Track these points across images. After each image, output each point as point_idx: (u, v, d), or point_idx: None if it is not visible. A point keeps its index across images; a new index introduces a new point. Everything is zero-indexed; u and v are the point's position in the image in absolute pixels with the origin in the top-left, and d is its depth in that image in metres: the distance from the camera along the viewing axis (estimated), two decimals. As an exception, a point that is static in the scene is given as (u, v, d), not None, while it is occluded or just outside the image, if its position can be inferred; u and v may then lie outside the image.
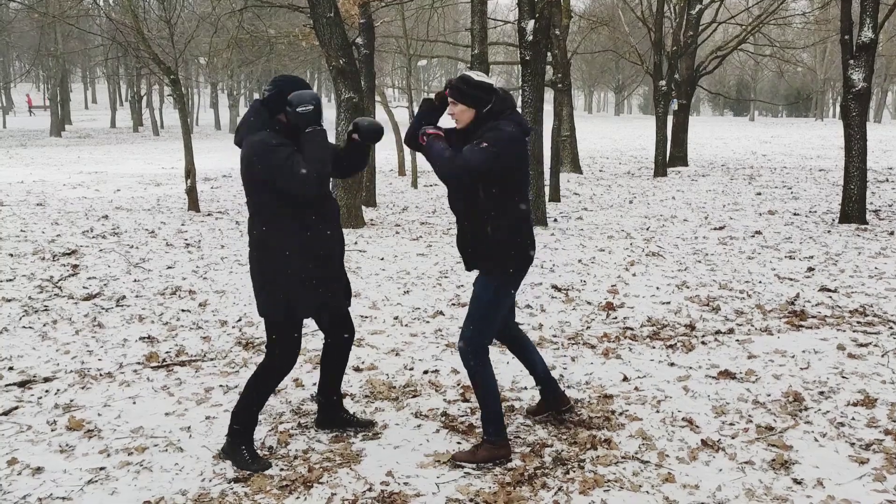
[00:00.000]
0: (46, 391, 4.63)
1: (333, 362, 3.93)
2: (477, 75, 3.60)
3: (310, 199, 3.45)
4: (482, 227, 3.55)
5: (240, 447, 3.61)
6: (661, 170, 18.55)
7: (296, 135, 3.46)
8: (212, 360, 5.22)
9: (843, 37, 10.65)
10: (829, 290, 7.00)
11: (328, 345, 3.92)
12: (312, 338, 5.40)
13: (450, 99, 3.60)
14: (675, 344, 5.46)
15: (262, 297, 3.59)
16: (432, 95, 3.73)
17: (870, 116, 47.45)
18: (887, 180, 17.04)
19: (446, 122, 3.71)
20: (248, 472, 3.53)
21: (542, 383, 4.06)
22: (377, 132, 3.71)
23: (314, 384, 4.46)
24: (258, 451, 3.74)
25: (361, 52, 11.73)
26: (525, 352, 4.02)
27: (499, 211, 3.52)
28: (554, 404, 4.06)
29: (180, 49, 13.61)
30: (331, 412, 4.00)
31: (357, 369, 4.99)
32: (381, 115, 19.48)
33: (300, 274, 3.51)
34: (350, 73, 10.23)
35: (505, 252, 3.56)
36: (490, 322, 3.63)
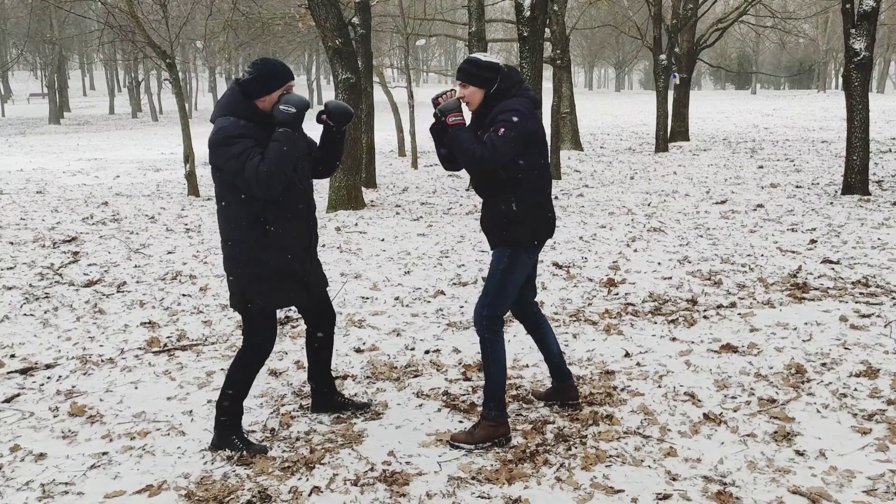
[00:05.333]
0: (48, 378, 4.64)
1: (317, 349, 3.88)
2: (485, 56, 3.62)
3: (260, 198, 3.34)
4: (507, 202, 3.55)
5: (230, 437, 3.58)
6: (662, 145, 18.45)
7: (272, 126, 3.37)
8: (213, 344, 5.22)
9: (845, 5, 10.52)
10: (831, 262, 6.96)
11: (309, 332, 3.88)
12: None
13: (459, 83, 3.62)
14: (677, 319, 5.45)
15: (230, 288, 3.56)
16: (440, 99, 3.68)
17: (872, 87, 47.10)
18: (890, 150, 16.93)
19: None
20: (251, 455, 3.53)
21: (556, 371, 4.00)
22: (345, 110, 3.66)
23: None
24: (258, 435, 3.74)
25: (358, 31, 11.64)
26: (542, 335, 3.96)
27: (521, 186, 3.53)
28: (562, 394, 4.00)
29: (175, 32, 13.49)
30: (324, 397, 3.98)
31: (358, 350, 4.99)
32: (379, 96, 19.38)
33: (256, 268, 3.44)
34: (346, 53, 10.15)
35: (524, 223, 3.56)
36: (504, 293, 3.61)
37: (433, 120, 3.69)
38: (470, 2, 12.03)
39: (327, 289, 3.87)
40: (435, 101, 3.68)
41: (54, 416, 4.07)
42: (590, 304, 5.89)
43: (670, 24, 18.92)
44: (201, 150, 16.35)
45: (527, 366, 4.59)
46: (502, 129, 3.42)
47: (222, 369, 4.69)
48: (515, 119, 3.45)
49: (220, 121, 3.38)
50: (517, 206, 3.54)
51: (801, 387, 4.17)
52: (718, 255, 7.45)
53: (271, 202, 3.39)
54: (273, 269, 3.45)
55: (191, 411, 4.09)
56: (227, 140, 3.30)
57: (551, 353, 3.97)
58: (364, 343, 5.12)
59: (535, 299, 3.99)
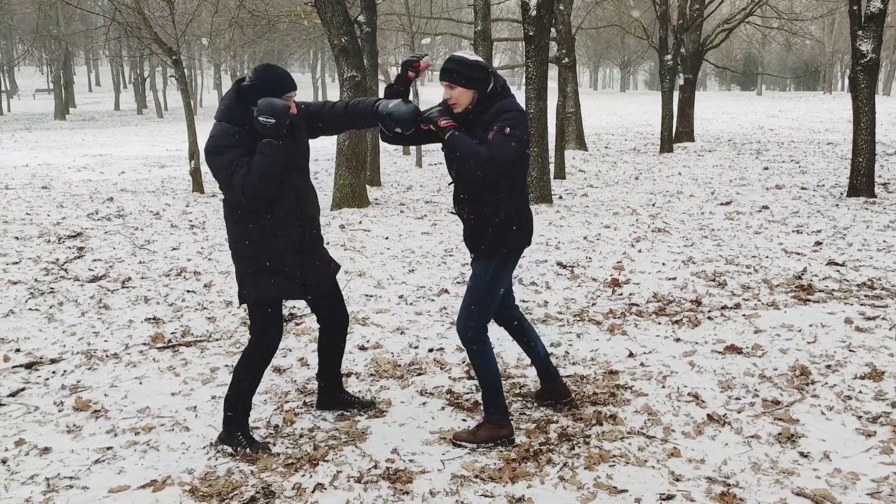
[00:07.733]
0: (53, 372, 4.65)
1: (328, 347, 3.89)
2: (470, 55, 3.48)
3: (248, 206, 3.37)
4: (498, 209, 3.45)
5: (235, 433, 3.59)
6: (667, 145, 18.42)
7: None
8: (217, 340, 5.23)
9: (852, 7, 10.49)
10: (836, 264, 6.95)
11: (321, 330, 3.89)
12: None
13: (445, 83, 3.45)
14: (681, 319, 5.44)
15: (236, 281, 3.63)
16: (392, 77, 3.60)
17: (879, 89, 46.94)
18: (896, 153, 16.88)
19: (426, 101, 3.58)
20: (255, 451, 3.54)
21: (543, 373, 3.96)
22: (409, 116, 3.45)
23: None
24: (262, 432, 3.75)
25: (363, 29, 11.61)
26: (525, 338, 3.91)
27: (512, 190, 3.47)
28: (554, 394, 3.98)
29: (182, 29, 13.51)
30: (331, 394, 3.99)
31: (362, 348, 4.99)
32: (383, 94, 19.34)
33: (250, 263, 3.49)
34: (352, 51, 10.16)
35: (512, 232, 3.50)
36: (490, 303, 3.57)
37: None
38: (476, 1, 12.01)
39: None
40: (413, 63, 3.54)
41: (59, 411, 4.08)
42: (594, 304, 5.88)
43: (676, 25, 18.89)
44: (206, 147, 16.45)
45: (529, 364, 4.59)
46: (508, 129, 3.32)
47: (226, 365, 4.70)
48: (520, 118, 3.39)
49: (215, 127, 3.43)
50: (510, 212, 3.46)
51: (805, 388, 4.16)
52: (723, 256, 7.44)
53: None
54: (264, 264, 3.48)
55: (195, 407, 4.10)
56: (218, 150, 3.36)
57: (538, 355, 3.92)
58: (368, 341, 5.12)
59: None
